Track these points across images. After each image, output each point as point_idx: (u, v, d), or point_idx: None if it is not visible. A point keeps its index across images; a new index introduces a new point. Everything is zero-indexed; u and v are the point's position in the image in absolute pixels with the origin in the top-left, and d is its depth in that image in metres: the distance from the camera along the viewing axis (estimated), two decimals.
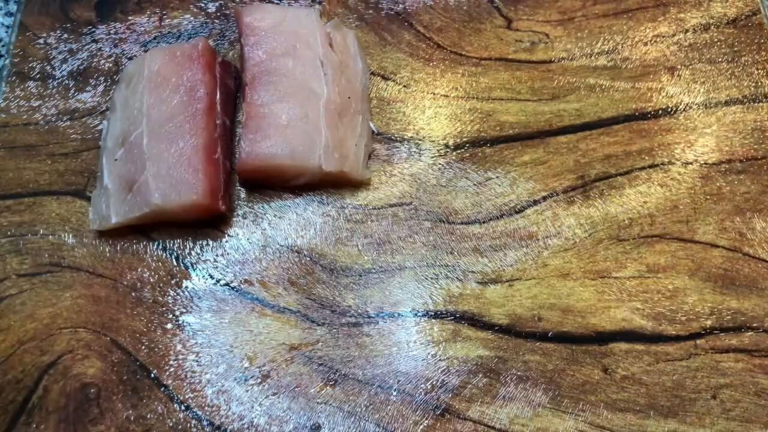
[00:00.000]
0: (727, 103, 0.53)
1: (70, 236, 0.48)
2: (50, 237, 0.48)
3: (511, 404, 0.43)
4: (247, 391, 0.44)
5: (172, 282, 0.47)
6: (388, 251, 0.48)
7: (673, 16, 0.56)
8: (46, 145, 0.51)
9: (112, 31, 0.56)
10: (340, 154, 0.49)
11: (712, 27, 0.55)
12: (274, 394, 0.44)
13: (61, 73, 0.54)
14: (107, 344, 0.45)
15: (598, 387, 0.43)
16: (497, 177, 0.50)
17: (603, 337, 0.45)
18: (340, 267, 0.48)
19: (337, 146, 0.49)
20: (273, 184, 0.50)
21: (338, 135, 0.49)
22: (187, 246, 0.48)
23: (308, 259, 0.48)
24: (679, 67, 0.54)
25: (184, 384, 0.44)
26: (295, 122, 0.48)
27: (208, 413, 0.43)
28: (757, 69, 0.54)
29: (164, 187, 0.46)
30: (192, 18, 0.57)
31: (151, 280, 0.47)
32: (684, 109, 0.52)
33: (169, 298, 0.47)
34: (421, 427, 0.43)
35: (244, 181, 0.50)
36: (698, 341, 0.45)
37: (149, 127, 0.48)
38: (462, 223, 0.49)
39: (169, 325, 0.46)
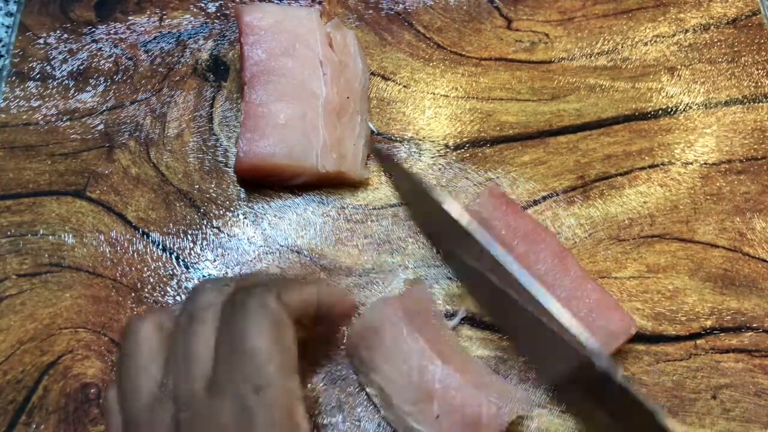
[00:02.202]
0: (727, 103, 0.53)
1: (70, 236, 0.48)
2: (50, 237, 0.48)
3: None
4: None
5: (172, 282, 0.47)
6: (389, 251, 0.48)
7: (673, 16, 0.56)
8: (46, 145, 0.51)
9: (112, 31, 0.56)
10: (338, 154, 0.49)
11: (712, 27, 0.55)
12: None
13: (61, 73, 0.54)
14: (107, 344, 0.45)
15: None
16: (497, 177, 0.50)
17: None
18: (340, 267, 0.48)
19: (334, 146, 0.49)
20: (271, 183, 0.50)
21: (336, 135, 0.49)
22: (187, 246, 0.48)
23: (308, 259, 0.48)
24: (679, 67, 0.54)
25: None
26: (293, 122, 0.48)
27: None
28: (757, 69, 0.54)
29: None
30: (192, 18, 0.57)
31: (151, 280, 0.47)
32: (684, 109, 0.52)
33: (169, 298, 0.47)
34: None
35: (243, 180, 0.50)
36: (698, 341, 0.45)
37: None
38: None
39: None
